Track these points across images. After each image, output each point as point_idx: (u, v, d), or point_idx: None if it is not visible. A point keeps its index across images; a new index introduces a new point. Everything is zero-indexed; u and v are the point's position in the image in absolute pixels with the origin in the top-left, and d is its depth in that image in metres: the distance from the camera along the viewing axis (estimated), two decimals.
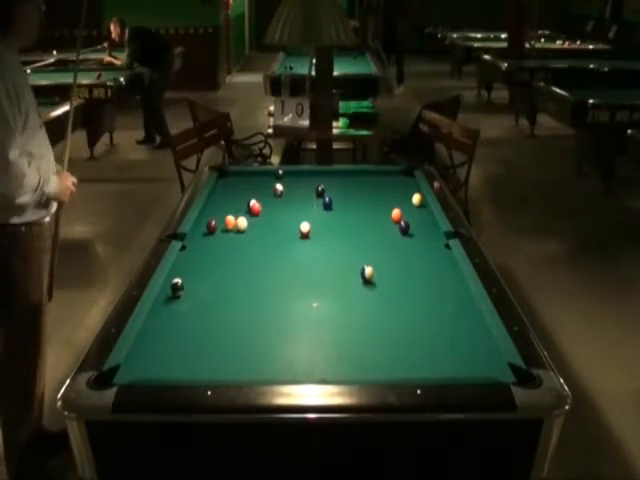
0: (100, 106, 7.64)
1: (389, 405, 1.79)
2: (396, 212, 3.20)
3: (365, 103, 6.48)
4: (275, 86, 6.80)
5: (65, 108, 6.27)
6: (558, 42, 12.18)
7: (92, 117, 7.28)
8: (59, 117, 6.07)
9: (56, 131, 6.59)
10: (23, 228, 2.60)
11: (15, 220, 2.56)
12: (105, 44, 9.88)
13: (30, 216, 2.60)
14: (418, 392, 1.82)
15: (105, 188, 6.80)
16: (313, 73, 5.52)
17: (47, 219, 2.71)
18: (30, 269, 2.65)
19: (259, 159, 5.95)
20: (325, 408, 1.80)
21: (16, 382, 2.73)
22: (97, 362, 1.98)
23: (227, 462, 1.87)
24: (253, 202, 3.33)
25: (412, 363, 2.05)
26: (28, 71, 8.39)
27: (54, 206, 2.76)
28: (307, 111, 5.22)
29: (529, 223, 5.80)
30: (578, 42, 12.19)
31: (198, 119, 6.13)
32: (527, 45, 10.58)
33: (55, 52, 10.67)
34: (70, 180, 2.79)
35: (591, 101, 6.35)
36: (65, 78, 8.05)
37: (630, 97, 6.52)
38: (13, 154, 2.41)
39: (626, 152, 5.56)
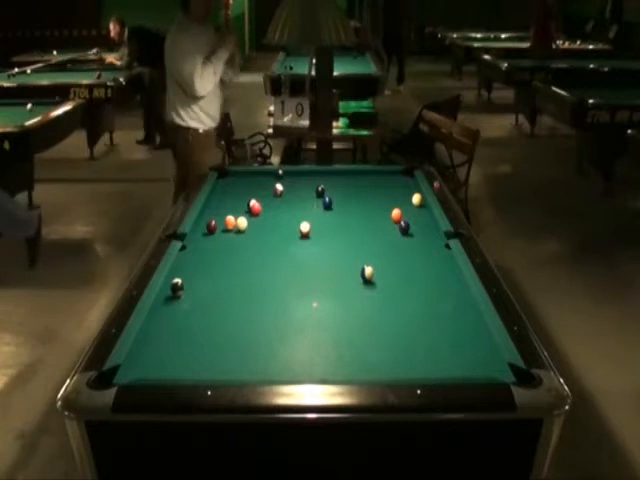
0: (100, 106, 7.64)
1: (389, 405, 1.79)
2: (396, 212, 3.20)
3: (365, 103, 6.48)
4: (275, 86, 6.79)
5: (66, 108, 6.28)
6: (558, 42, 12.17)
7: (92, 117, 7.28)
8: (60, 116, 6.08)
9: (58, 129, 6.58)
10: (201, 130, 4.64)
11: (195, 125, 4.61)
12: (94, 50, 10.00)
13: (203, 125, 4.63)
14: (418, 392, 1.82)
15: (105, 188, 6.80)
16: (313, 73, 5.52)
17: (212, 128, 4.71)
18: (203, 153, 4.61)
19: (259, 159, 5.95)
20: (325, 408, 1.80)
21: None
22: (97, 362, 1.98)
23: (227, 462, 1.87)
24: (253, 202, 3.33)
25: (412, 363, 2.05)
26: (28, 71, 8.40)
27: (217, 120, 4.75)
28: (307, 111, 5.22)
29: (529, 223, 5.80)
30: (578, 42, 12.18)
31: None
32: (553, 45, 10.45)
33: (55, 52, 10.69)
34: (230, 39, 4.78)
35: (591, 101, 6.35)
36: (65, 78, 8.07)
37: (630, 97, 6.51)
38: (198, 81, 4.46)
39: (626, 152, 5.56)
